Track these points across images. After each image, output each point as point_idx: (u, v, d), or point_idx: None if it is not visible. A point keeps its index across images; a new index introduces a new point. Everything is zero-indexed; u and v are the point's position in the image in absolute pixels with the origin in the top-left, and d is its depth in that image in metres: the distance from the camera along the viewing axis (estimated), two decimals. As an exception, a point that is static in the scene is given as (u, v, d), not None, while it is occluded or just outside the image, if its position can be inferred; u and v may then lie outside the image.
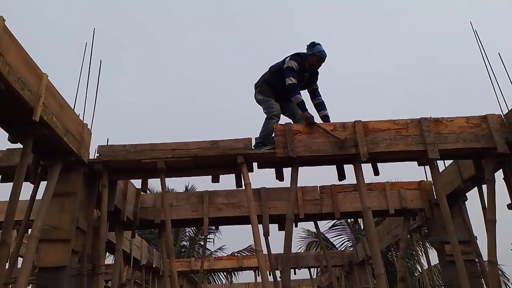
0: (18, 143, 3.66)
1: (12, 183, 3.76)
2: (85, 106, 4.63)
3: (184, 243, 17.91)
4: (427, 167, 6.15)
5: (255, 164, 4.72)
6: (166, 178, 4.63)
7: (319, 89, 5.06)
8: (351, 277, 10.49)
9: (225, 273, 16.54)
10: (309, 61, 4.79)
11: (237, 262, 10.61)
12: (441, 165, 5.66)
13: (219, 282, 17.36)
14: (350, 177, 4.80)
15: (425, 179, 6.20)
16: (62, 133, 3.75)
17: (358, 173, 4.38)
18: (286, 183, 4.84)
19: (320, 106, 4.98)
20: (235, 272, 13.93)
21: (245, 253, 17.73)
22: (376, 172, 4.56)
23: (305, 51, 4.87)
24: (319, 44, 4.80)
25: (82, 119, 4.34)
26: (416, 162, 4.73)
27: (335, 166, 4.75)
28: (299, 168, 4.50)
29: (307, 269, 11.29)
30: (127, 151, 4.52)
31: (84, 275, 4.20)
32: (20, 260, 4.61)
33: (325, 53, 4.79)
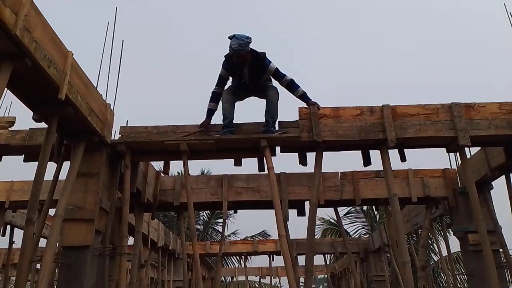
0: (41, 123, 3.64)
1: (34, 163, 3.74)
2: (107, 86, 4.60)
3: (198, 226, 18.06)
4: (452, 155, 6.11)
5: (277, 148, 4.65)
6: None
7: (285, 75, 4.49)
8: (366, 265, 10.46)
9: (237, 257, 16.69)
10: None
11: (252, 247, 10.65)
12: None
13: (232, 266, 17.55)
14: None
15: (449, 167, 6.08)
16: (86, 112, 3.71)
17: (385, 159, 4.27)
18: (306, 168, 4.76)
19: (290, 86, 4.49)
20: (248, 257, 14.03)
21: (258, 237, 17.83)
22: (403, 158, 4.44)
23: None
24: (231, 38, 4.34)
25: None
26: (437, 150, 4.59)
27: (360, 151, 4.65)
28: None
29: (321, 255, 11.34)
30: (150, 132, 4.48)
31: (106, 255, 4.22)
32: (41, 239, 4.64)
33: (231, 46, 4.29)
